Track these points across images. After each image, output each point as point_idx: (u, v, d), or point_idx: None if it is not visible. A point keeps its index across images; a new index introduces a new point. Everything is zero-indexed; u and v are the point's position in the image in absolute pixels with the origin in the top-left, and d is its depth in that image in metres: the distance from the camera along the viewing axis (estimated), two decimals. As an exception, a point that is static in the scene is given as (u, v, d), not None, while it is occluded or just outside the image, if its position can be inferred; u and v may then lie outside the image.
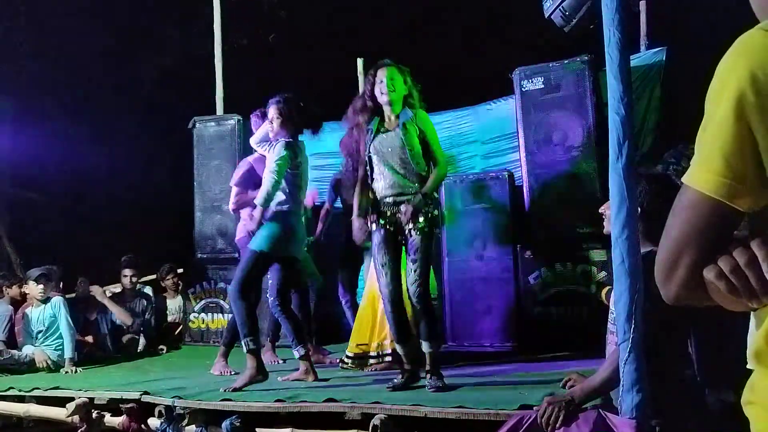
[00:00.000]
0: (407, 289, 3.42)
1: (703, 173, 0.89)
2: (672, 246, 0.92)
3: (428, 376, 3.36)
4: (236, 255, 5.65)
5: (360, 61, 6.20)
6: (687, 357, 2.30)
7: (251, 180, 4.41)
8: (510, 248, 4.99)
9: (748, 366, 0.95)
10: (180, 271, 6.42)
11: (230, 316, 4.34)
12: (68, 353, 4.80)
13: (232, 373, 4.04)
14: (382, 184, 3.44)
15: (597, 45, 2.29)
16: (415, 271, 3.34)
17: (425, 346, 3.39)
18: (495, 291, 5.00)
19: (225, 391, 3.45)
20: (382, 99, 3.43)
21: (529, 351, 4.63)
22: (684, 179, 0.92)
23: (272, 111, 3.87)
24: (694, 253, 0.89)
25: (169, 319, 6.18)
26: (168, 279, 6.27)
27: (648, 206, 2.25)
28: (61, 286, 5.43)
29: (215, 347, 5.61)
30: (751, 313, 0.94)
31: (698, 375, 2.44)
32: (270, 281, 4.07)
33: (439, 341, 3.49)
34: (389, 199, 3.42)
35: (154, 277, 6.58)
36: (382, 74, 3.44)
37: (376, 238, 3.45)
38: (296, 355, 3.82)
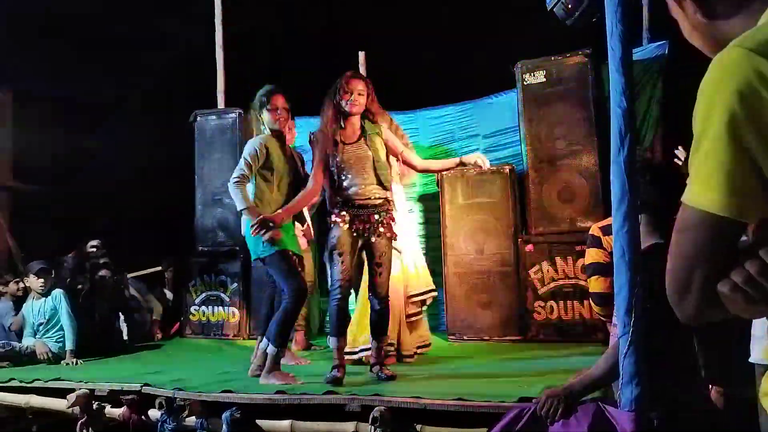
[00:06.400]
0: (369, 290, 3.62)
1: (708, 192, 0.87)
2: (682, 267, 0.92)
3: (374, 367, 3.62)
4: (237, 248, 5.67)
5: (362, 54, 6.17)
6: (690, 352, 2.30)
7: None
8: (511, 242, 5.00)
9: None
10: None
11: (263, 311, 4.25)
12: (69, 345, 4.82)
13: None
14: (352, 190, 3.53)
15: (599, 38, 2.28)
16: (380, 275, 3.54)
17: (373, 344, 3.66)
18: (495, 285, 5.01)
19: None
20: (353, 110, 3.54)
21: (529, 344, 4.65)
22: (686, 200, 0.90)
23: (281, 101, 3.81)
24: (706, 270, 0.89)
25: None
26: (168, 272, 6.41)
27: (652, 198, 2.24)
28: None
29: (215, 340, 5.65)
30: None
31: (701, 370, 2.43)
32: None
33: (385, 338, 3.72)
34: (358, 202, 3.52)
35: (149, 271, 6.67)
36: (354, 85, 3.54)
37: (337, 231, 3.52)
38: (268, 349, 3.59)
